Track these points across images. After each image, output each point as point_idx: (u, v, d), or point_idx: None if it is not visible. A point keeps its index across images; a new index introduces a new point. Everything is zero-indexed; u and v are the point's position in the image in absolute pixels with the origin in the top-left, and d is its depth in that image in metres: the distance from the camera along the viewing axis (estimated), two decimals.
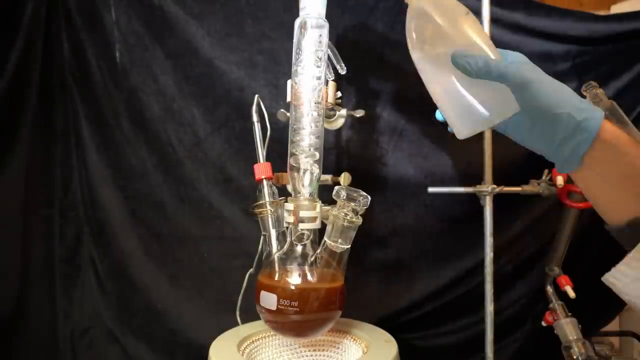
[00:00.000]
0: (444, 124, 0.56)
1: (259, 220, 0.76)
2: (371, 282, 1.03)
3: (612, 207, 0.52)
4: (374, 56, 0.98)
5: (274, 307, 0.68)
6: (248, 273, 0.85)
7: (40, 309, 1.05)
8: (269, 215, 0.75)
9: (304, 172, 0.71)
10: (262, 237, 0.77)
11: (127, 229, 1.06)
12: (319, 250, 0.69)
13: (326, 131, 0.80)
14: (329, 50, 0.75)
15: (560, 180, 0.89)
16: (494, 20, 0.92)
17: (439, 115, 0.57)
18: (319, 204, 0.71)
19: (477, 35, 0.52)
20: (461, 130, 0.53)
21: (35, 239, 1.03)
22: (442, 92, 0.54)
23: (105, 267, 1.08)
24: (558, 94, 0.50)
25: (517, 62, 0.52)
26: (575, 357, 0.89)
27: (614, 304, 1.08)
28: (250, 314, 0.80)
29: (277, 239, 0.74)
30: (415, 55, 0.55)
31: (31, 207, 1.01)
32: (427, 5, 0.53)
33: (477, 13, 0.91)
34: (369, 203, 0.66)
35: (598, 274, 1.04)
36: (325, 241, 0.68)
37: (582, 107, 0.49)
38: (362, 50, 0.98)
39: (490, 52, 0.51)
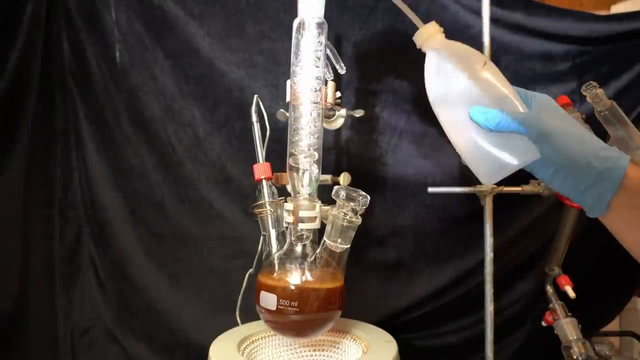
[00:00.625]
0: None
1: (259, 220, 0.76)
2: (371, 282, 1.03)
3: None
4: (373, 56, 0.98)
5: (273, 307, 0.68)
6: (248, 273, 0.85)
7: (40, 309, 1.05)
8: (269, 215, 0.75)
9: (303, 172, 0.71)
10: (262, 237, 0.77)
11: (127, 229, 1.06)
12: (318, 250, 0.69)
13: (326, 131, 0.80)
14: (328, 50, 0.75)
15: None
16: (494, 20, 0.92)
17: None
18: (318, 204, 0.71)
19: (498, 86, 0.52)
20: (484, 178, 0.54)
21: (35, 239, 1.03)
22: (462, 142, 0.54)
23: (105, 267, 1.08)
24: (578, 143, 0.48)
25: (538, 111, 0.51)
26: (575, 357, 0.89)
27: (614, 304, 1.08)
28: (250, 314, 0.80)
29: (277, 239, 0.74)
30: (435, 106, 0.55)
31: (31, 207, 1.01)
32: (446, 56, 0.53)
33: (477, 13, 0.92)
34: (368, 203, 0.66)
35: (598, 274, 1.05)
36: (324, 241, 0.68)
37: (605, 156, 0.48)
38: (362, 50, 0.98)
39: (513, 100, 0.51)
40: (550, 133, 0.48)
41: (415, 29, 0.57)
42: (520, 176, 0.93)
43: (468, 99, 0.52)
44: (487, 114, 0.50)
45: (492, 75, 0.52)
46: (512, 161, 0.51)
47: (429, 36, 0.55)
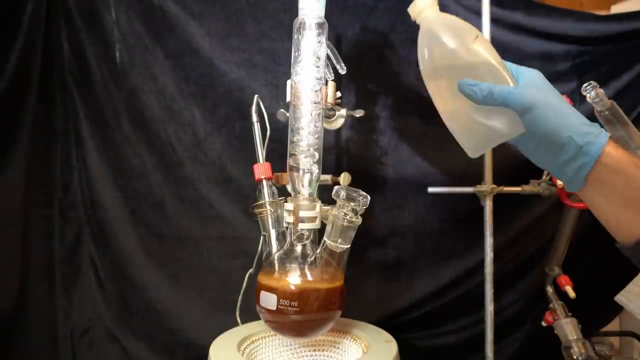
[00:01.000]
0: None
1: (259, 220, 0.76)
2: (371, 282, 1.03)
3: (619, 226, 0.52)
4: (374, 56, 0.98)
5: (273, 307, 0.68)
6: (248, 273, 0.85)
7: (40, 309, 1.05)
8: (269, 215, 0.75)
9: (304, 172, 0.71)
10: (262, 237, 0.77)
11: (127, 229, 1.06)
12: (318, 250, 0.69)
13: (326, 131, 0.80)
14: (328, 50, 0.75)
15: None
16: (494, 20, 0.92)
17: None
18: (318, 204, 0.71)
19: (488, 58, 0.53)
20: (469, 150, 0.55)
21: (35, 239, 1.03)
22: (450, 114, 0.56)
23: (105, 267, 1.08)
24: (561, 118, 0.50)
25: (526, 85, 0.52)
26: (575, 357, 0.89)
27: (614, 304, 1.08)
28: (250, 314, 0.80)
29: (277, 239, 0.74)
30: (426, 78, 0.56)
31: (31, 207, 1.01)
32: (439, 28, 0.54)
33: (477, 13, 0.92)
34: (368, 203, 0.66)
35: (598, 274, 1.05)
36: (325, 241, 0.68)
37: (586, 131, 0.49)
38: (362, 50, 0.98)
39: (503, 73, 0.52)
40: (535, 106, 0.50)
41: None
42: (520, 176, 0.94)
43: (458, 71, 0.53)
44: (475, 86, 0.51)
45: (483, 49, 0.53)
46: (497, 134, 0.53)
47: (423, 8, 0.56)
